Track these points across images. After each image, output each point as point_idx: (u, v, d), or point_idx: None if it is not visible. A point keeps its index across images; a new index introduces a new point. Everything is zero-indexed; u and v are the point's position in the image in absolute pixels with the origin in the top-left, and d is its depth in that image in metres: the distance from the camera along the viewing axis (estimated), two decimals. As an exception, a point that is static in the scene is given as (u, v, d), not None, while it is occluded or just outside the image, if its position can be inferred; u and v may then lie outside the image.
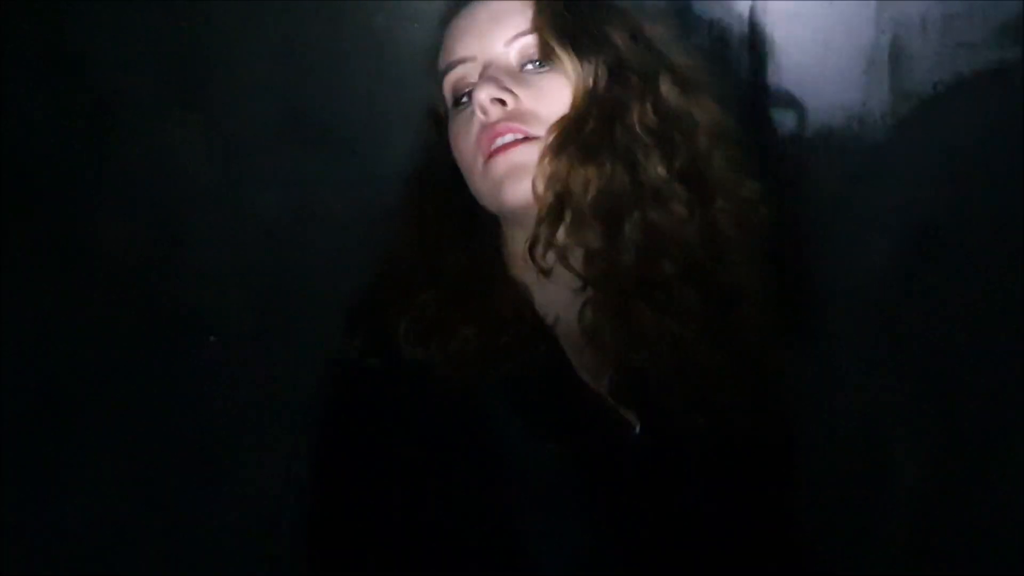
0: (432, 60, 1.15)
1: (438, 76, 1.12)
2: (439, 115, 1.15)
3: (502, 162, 1.03)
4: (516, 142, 1.03)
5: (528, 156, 1.03)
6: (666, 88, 1.08)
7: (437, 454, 1.02)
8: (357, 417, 1.06)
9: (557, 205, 1.01)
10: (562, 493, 1.03)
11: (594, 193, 1.01)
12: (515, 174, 1.03)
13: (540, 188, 1.02)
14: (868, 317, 1.63)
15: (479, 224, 1.12)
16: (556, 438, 1.03)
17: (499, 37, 1.07)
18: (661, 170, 1.04)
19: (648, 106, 1.06)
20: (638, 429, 1.05)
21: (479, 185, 1.07)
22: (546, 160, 1.02)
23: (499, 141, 1.04)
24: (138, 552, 1.65)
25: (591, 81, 1.03)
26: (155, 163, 1.60)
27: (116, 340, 1.62)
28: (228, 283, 1.61)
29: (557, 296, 1.07)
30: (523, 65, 1.07)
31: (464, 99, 1.09)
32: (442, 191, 1.13)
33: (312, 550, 1.08)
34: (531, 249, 1.03)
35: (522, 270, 1.08)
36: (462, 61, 1.08)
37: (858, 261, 1.62)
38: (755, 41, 1.61)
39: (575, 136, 1.02)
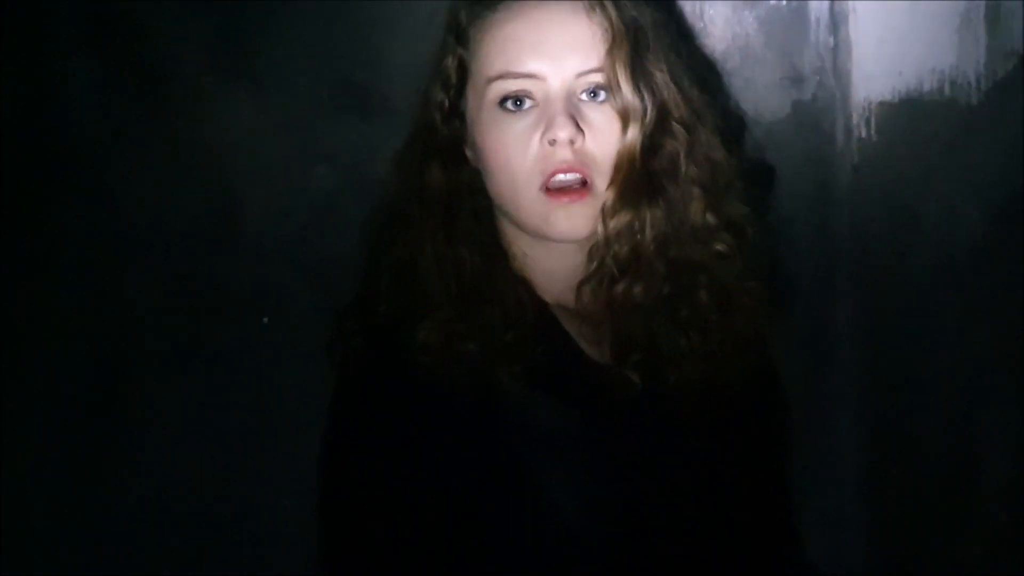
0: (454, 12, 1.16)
1: (483, 71, 1.12)
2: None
3: (563, 209, 1.09)
4: (577, 193, 1.09)
5: (586, 207, 1.09)
6: (704, 138, 1.15)
7: (459, 435, 1.08)
8: (373, 411, 1.10)
9: (631, 253, 1.10)
10: (580, 453, 1.11)
11: (655, 238, 1.11)
12: (571, 219, 1.09)
13: (607, 234, 1.10)
14: (957, 290, 1.55)
15: (482, 213, 1.16)
16: (568, 401, 1.11)
17: (573, 67, 1.09)
18: (710, 217, 1.14)
19: (692, 157, 1.13)
20: (640, 387, 1.15)
21: (525, 205, 1.10)
22: (611, 207, 1.09)
23: (560, 177, 1.08)
24: (185, 533, 1.64)
25: (642, 127, 1.09)
26: (205, 135, 1.58)
27: (164, 320, 1.60)
28: (281, 260, 1.58)
29: (551, 281, 1.16)
30: (582, 92, 1.10)
31: (516, 105, 1.10)
32: (450, 179, 1.16)
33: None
34: (582, 284, 1.14)
35: (522, 262, 1.15)
36: (529, 76, 1.09)
37: (948, 232, 1.54)
38: (835, -3, 1.53)
39: (636, 187, 1.09)
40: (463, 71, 1.14)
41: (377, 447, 1.08)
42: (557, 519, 1.07)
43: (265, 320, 1.59)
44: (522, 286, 1.14)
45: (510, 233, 1.15)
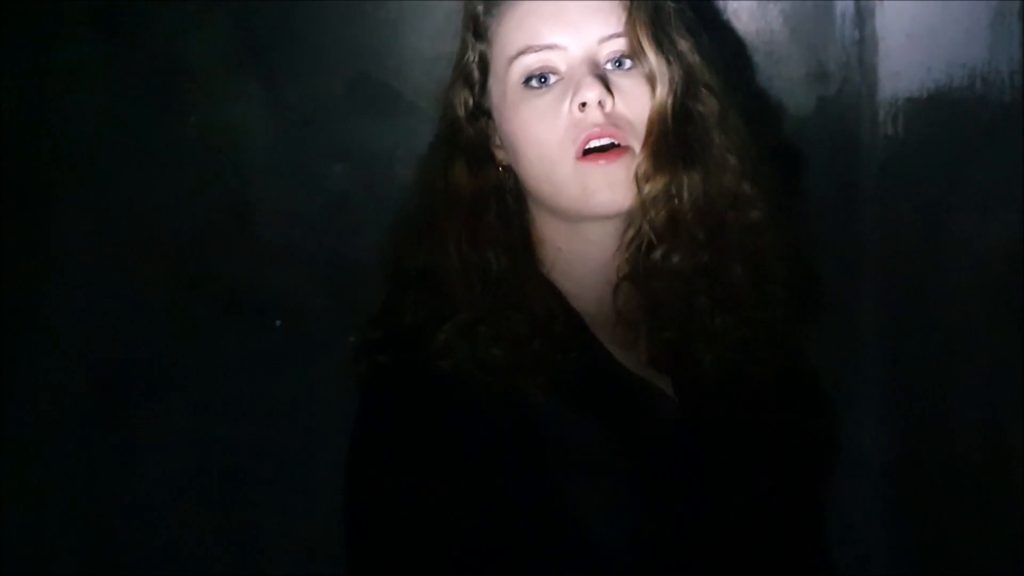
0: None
1: (503, 53, 1.11)
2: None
3: (600, 173, 1.06)
4: (613, 153, 1.06)
5: (624, 170, 1.06)
6: (733, 114, 1.14)
7: (487, 451, 1.06)
8: (399, 427, 1.07)
9: (668, 218, 1.08)
10: (612, 467, 1.08)
11: (694, 204, 1.08)
12: (611, 187, 1.07)
13: (642, 199, 1.07)
14: (987, 290, 1.51)
15: (510, 216, 1.14)
16: (601, 417, 1.09)
17: (594, 33, 1.08)
18: (746, 185, 1.12)
19: (724, 125, 1.12)
20: (676, 399, 1.13)
21: (561, 179, 1.08)
22: (645, 172, 1.06)
23: (595, 143, 1.06)
24: (195, 539, 1.63)
25: (671, 89, 1.07)
26: (216, 132, 1.56)
27: (175, 322, 1.58)
28: (295, 261, 1.56)
29: (585, 284, 1.13)
30: (607, 62, 1.09)
31: (541, 82, 1.08)
32: (476, 180, 1.13)
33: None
34: (621, 279, 1.12)
35: (553, 264, 1.13)
36: (550, 48, 1.08)
37: (977, 232, 1.50)
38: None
39: (671, 151, 1.07)
40: (484, 66, 1.13)
41: (403, 460, 1.06)
42: (587, 535, 1.04)
43: (278, 323, 1.57)
44: (550, 292, 1.12)
45: (543, 229, 1.14)
